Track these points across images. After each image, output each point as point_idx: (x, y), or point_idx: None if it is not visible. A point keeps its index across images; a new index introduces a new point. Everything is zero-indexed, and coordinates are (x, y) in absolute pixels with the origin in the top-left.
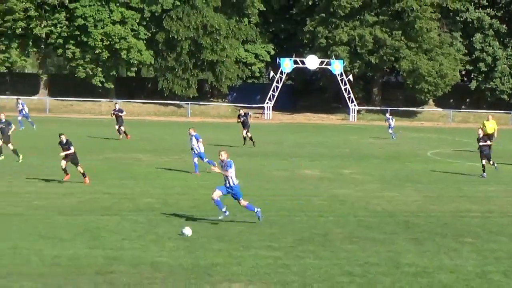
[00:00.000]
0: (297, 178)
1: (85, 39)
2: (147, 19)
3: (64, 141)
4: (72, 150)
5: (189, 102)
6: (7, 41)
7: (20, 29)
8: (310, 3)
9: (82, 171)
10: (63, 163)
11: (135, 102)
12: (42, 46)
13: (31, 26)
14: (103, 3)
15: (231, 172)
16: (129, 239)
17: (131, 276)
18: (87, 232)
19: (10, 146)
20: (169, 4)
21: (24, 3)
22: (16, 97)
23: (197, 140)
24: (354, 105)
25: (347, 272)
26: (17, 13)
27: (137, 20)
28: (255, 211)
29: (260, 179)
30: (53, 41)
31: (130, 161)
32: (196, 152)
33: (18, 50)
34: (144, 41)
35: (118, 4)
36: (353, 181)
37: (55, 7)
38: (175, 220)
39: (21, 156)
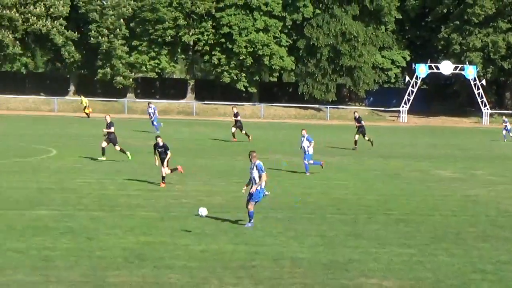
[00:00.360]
0: (431, 179)
1: (230, 46)
2: (289, 27)
3: (161, 144)
4: (169, 154)
5: (328, 106)
6: (158, 48)
7: (169, 37)
8: (445, 11)
9: (165, 173)
10: (159, 163)
11: (276, 106)
12: (190, 53)
13: (179, 34)
14: (248, 12)
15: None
16: (270, 235)
17: (272, 270)
18: (231, 229)
19: (117, 147)
20: (310, 13)
21: (173, 13)
22: (147, 100)
23: (309, 142)
24: (487, 109)
25: (479, 269)
26: (167, 22)
27: (279, 28)
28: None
29: (396, 179)
30: (200, 48)
31: (270, 162)
32: (306, 152)
33: (167, 56)
34: (286, 48)
35: (261, 13)
36: (485, 182)
37: (202, 16)
38: (314, 218)
39: (128, 153)
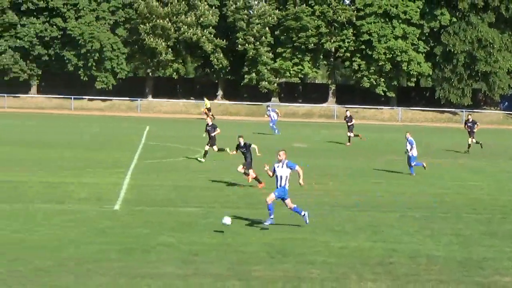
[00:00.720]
0: None
1: (369, 53)
2: (426, 34)
3: (242, 143)
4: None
5: (464, 110)
6: (301, 55)
7: (312, 44)
8: None
9: (254, 176)
10: (240, 167)
11: (414, 109)
12: (331, 59)
13: (322, 41)
14: (387, 20)
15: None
16: (407, 234)
17: (409, 267)
18: (369, 227)
19: (215, 148)
20: (447, 21)
21: (316, 21)
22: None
23: (411, 145)
24: None
25: None
26: (310, 30)
27: (417, 35)
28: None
29: None
30: (341, 54)
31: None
32: (410, 155)
33: (310, 63)
34: (423, 54)
35: (400, 21)
36: None
37: (343, 24)
38: (450, 217)
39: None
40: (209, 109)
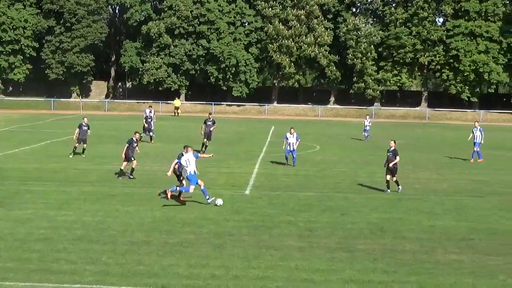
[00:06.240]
0: None
1: (457, 65)
2: (505, 49)
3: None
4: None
5: None
6: (399, 67)
7: (409, 59)
8: None
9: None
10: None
11: (493, 112)
12: (424, 70)
13: (417, 56)
14: (472, 38)
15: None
16: (486, 215)
17: (488, 242)
18: (454, 209)
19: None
20: None
21: (412, 40)
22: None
23: (481, 133)
24: None
25: None
26: (407, 47)
27: (497, 50)
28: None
29: None
30: (433, 67)
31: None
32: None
33: (407, 74)
34: (502, 66)
35: (483, 39)
36: None
37: (435, 42)
38: None
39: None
40: (177, 108)
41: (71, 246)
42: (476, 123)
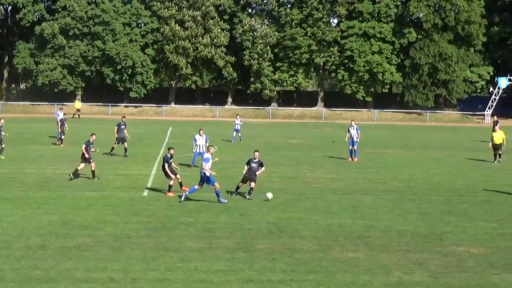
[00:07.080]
0: (510, 167)
1: (351, 66)
2: (397, 49)
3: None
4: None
5: (428, 111)
6: (295, 68)
7: (304, 59)
8: None
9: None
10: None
11: (387, 111)
12: (320, 71)
13: (312, 57)
14: (365, 39)
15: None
16: (381, 213)
17: (382, 240)
18: (351, 207)
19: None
20: (414, 38)
21: (308, 41)
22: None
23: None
24: None
25: None
26: (303, 48)
27: (390, 51)
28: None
29: (481, 168)
30: (328, 67)
31: (382, 155)
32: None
33: (303, 74)
34: (395, 66)
35: (376, 39)
36: None
37: (330, 43)
38: (416, 199)
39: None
40: (78, 110)
41: None
42: (353, 122)
